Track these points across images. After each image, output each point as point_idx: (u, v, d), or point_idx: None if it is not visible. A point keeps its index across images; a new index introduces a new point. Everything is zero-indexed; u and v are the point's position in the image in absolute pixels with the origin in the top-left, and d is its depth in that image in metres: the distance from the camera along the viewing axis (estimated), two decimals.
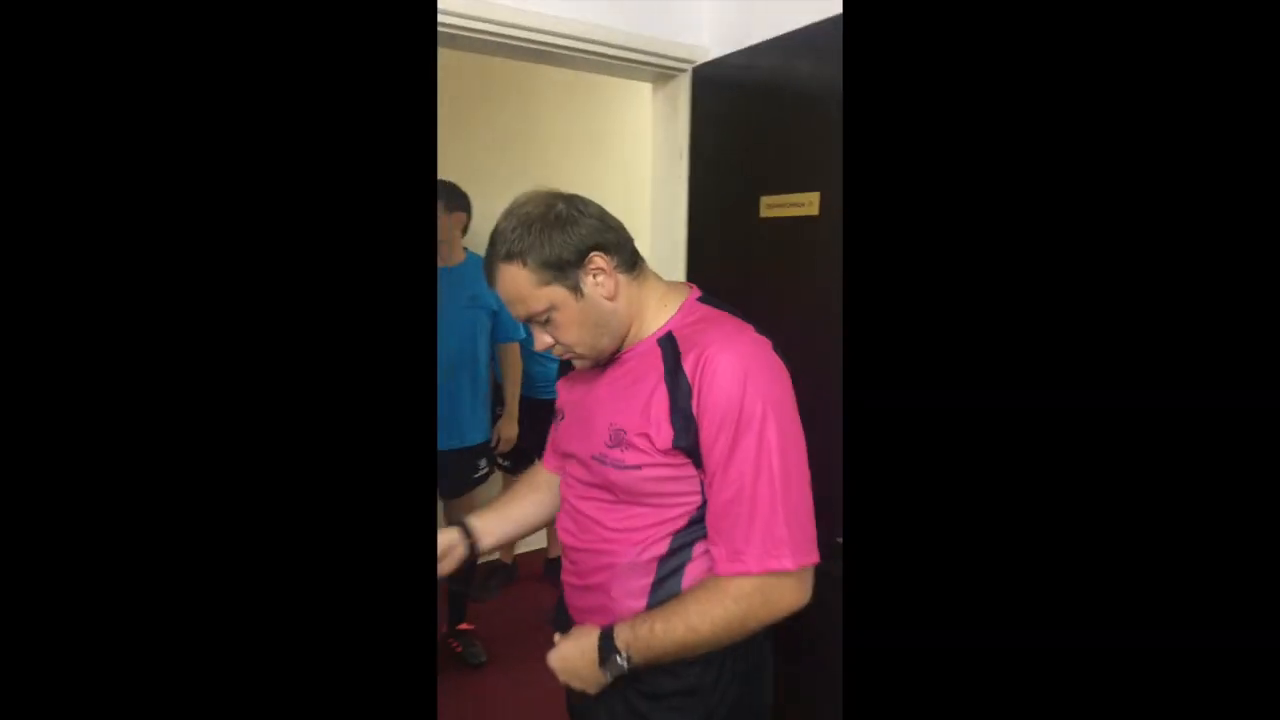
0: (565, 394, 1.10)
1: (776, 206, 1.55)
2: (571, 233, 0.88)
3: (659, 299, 0.98)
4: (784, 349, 0.94)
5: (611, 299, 0.92)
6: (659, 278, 1.00)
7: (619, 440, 0.92)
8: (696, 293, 1.01)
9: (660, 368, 0.91)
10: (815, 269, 1.44)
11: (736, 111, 1.69)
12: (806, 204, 1.46)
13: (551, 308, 0.90)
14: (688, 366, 0.87)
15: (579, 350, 0.95)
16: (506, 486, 2.70)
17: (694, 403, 0.86)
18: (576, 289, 0.90)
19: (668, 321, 0.96)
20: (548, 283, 0.88)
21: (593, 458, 0.95)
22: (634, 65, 1.77)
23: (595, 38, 1.64)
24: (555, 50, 1.64)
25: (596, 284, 0.91)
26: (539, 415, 2.39)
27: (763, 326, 0.95)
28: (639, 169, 2.96)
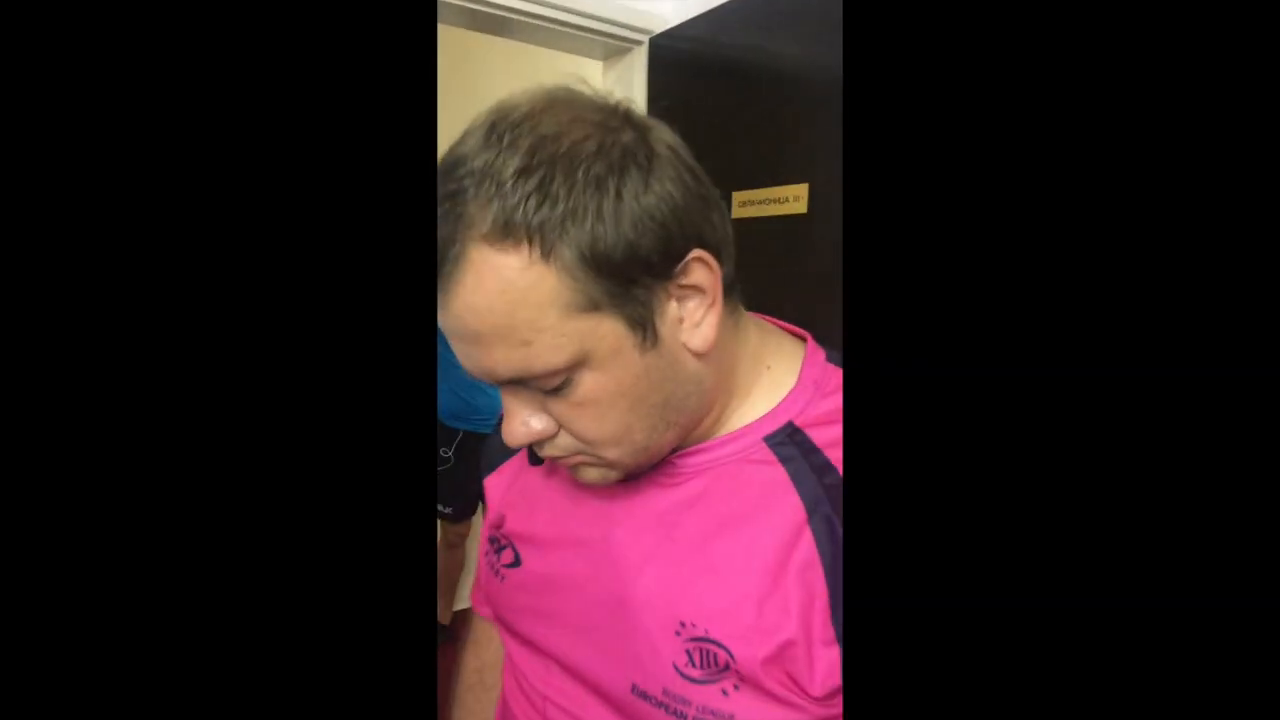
0: (517, 508, 0.56)
1: (752, 204, 1.29)
2: (657, 195, 0.40)
3: (753, 354, 0.49)
4: None
5: (702, 354, 0.44)
6: (748, 317, 0.51)
7: (716, 665, 0.43)
8: (818, 350, 0.51)
9: (793, 500, 0.44)
10: (805, 279, 1.18)
11: (701, 89, 1.42)
12: (792, 199, 1.20)
13: (581, 362, 0.41)
14: None
15: (610, 455, 0.45)
16: (444, 536, 2.35)
17: None
18: (645, 326, 0.41)
19: (783, 400, 0.48)
20: (594, 306, 0.39)
21: (635, 692, 0.46)
22: (579, 35, 1.48)
23: None
24: (483, 11, 1.34)
25: (683, 317, 0.43)
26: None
27: None
28: None
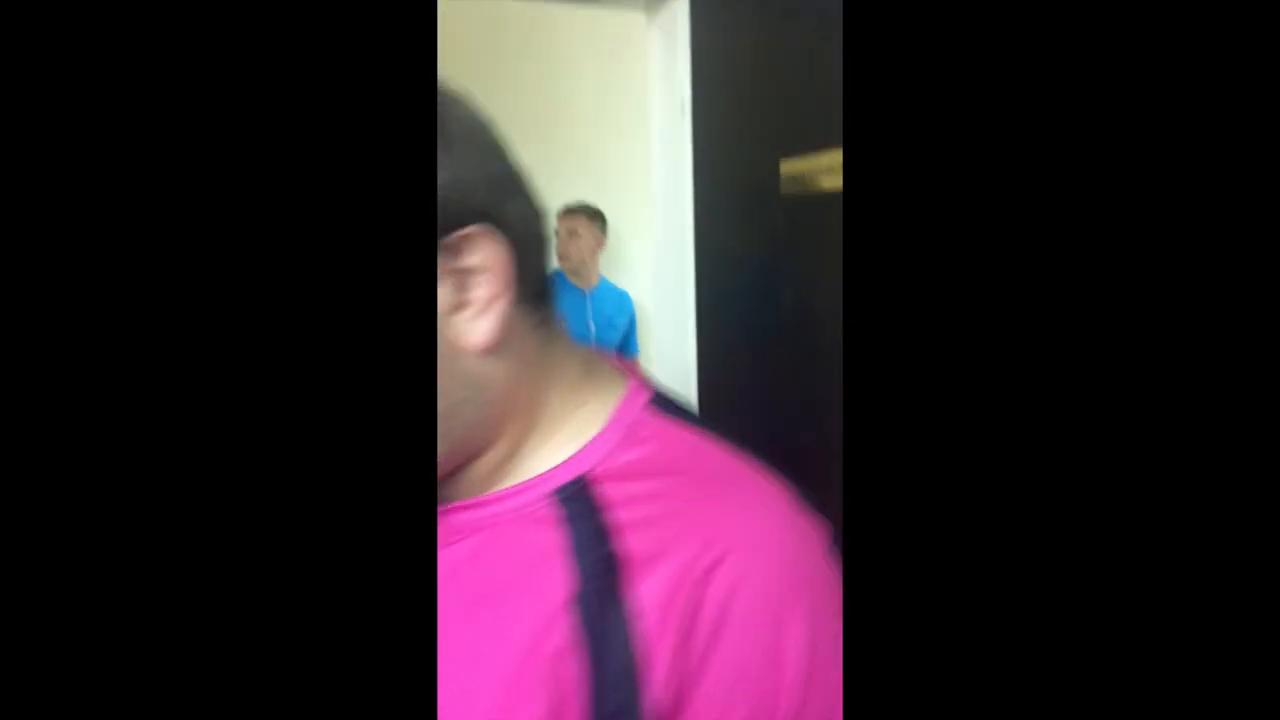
0: None
1: (799, 179, 1.11)
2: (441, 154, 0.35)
3: (571, 386, 0.42)
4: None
5: (489, 347, 0.38)
6: (576, 347, 0.45)
7: None
8: (642, 390, 0.44)
9: (560, 573, 0.37)
10: None
11: (747, 42, 1.24)
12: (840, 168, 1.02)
13: None
14: (651, 587, 0.35)
15: None
16: None
17: (669, 678, 0.34)
18: None
19: (583, 448, 0.41)
20: None
21: None
22: None
23: None
24: None
25: (463, 303, 0.37)
26: None
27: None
28: (638, 134, 1.84)
